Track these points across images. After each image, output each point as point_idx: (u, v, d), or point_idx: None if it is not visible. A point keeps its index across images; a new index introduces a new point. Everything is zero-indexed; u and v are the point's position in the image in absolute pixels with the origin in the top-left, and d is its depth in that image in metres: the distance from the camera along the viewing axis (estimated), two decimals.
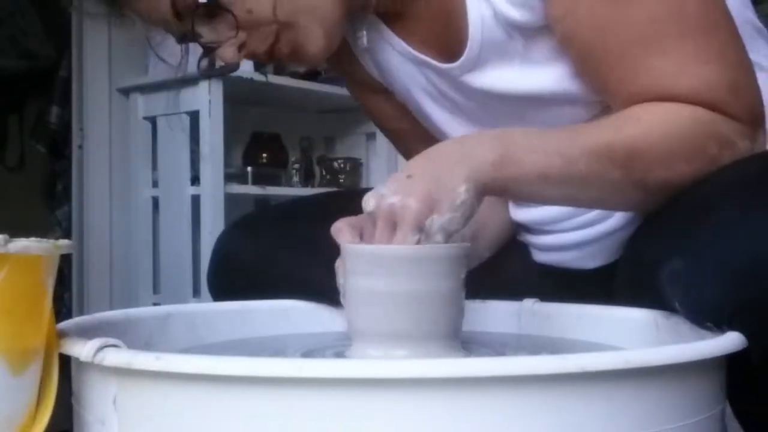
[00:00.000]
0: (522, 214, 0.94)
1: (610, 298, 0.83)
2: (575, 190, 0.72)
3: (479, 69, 0.84)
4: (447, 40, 0.85)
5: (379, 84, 1.00)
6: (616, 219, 0.87)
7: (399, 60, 0.92)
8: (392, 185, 0.66)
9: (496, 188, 0.69)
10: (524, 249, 0.97)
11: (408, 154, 1.07)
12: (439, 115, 0.94)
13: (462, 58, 0.84)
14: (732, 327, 0.58)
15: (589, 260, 0.91)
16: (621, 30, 0.73)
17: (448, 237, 0.65)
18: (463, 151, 0.69)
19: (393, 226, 0.65)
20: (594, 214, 0.88)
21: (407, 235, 0.64)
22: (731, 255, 0.60)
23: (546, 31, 0.79)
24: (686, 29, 0.73)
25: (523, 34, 0.80)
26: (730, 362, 0.57)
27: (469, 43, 0.82)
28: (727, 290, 0.60)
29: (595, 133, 0.72)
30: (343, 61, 1.02)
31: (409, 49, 0.90)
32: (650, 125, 0.72)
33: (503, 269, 0.95)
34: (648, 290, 0.68)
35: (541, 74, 0.82)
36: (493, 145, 0.69)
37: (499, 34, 0.81)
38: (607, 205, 0.79)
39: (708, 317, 0.61)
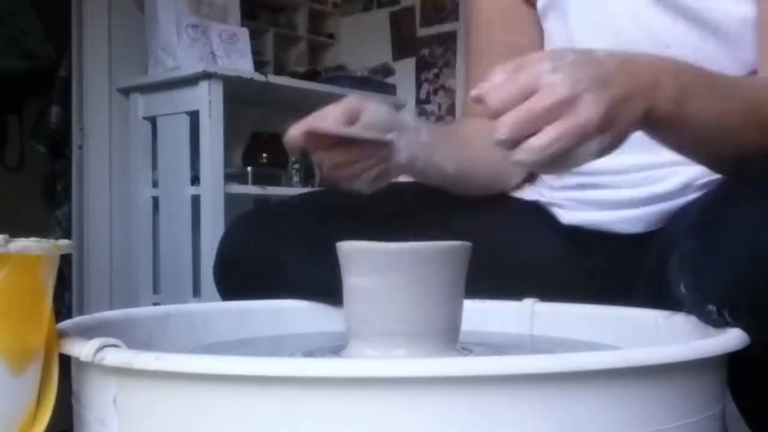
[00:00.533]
0: None
1: (638, 271, 0.83)
2: (726, 145, 0.71)
3: None
4: None
5: None
6: (666, 184, 0.86)
7: None
8: (591, 76, 0.63)
9: (659, 125, 0.68)
10: (543, 217, 0.95)
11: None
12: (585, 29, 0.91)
13: None
14: (734, 313, 0.58)
15: (629, 224, 0.88)
16: None
17: (598, 155, 0.64)
18: (655, 79, 0.66)
19: (557, 114, 0.61)
20: (645, 174, 0.87)
21: (564, 136, 0.61)
22: (742, 240, 0.60)
23: None
24: None
25: None
26: (732, 358, 0.57)
27: None
28: (734, 274, 0.59)
29: (749, 90, 0.73)
30: None
31: None
32: None
33: (523, 241, 0.94)
34: (664, 283, 0.68)
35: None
36: (675, 80, 0.67)
37: None
38: (731, 166, 0.76)
39: (712, 299, 0.60)
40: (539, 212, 0.96)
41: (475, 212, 0.94)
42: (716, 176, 0.82)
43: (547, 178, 0.97)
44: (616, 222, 0.89)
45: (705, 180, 0.84)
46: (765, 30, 0.80)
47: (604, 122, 0.61)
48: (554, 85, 0.62)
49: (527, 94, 0.62)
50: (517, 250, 0.92)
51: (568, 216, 0.92)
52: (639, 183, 0.87)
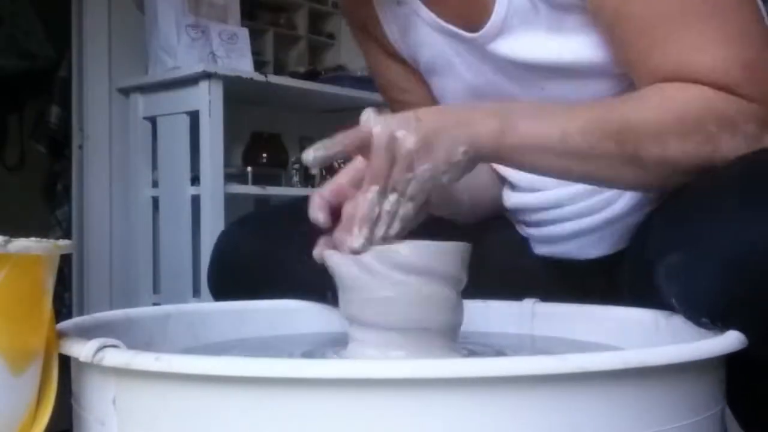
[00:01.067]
0: (516, 198, 0.93)
1: (615, 286, 0.83)
2: (571, 162, 0.73)
3: (504, 36, 0.85)
4: (474, 9, 0.86)
5: (394, 49, 1.01)
6: (617, 206, 0.86)
7: (426, 31, 0.93)
8: (400, 120, 0.69)
9: (494, 156, 0.72)
10: (525, 243, 0.97)
11: None
12: (458, 89, 0.94)
13: (487, 25, 0.85)
14: (728, 322, 0.58)
15: (591, 249, 0.90)
16: (649, 1, 0.74)
17: (428, 190, 0.68)
18: (468, 116, 0.71)
19: (391, 157, 0.67)
20: (592, 201, 0.87)
21: (403, 171, 0.67)
22: (728, 250, 0.60)
23: (571, 3, 0.79)
24: (711, 7, 0.73)
25: (549, 3, 0.81)
26: (728, 364, 0.57)
27: (495, 8, 0.83)
28: (724, 285, 0.60)
29: (594, 107, 0.74)
30: (364, 15, 1.01)
31: (437, 19, 0.90)
32: (649, 101, 0.73)
33: (505, 263, 0.95)
34: (649, 287, 0.68)
35: (566, 43, 0.82)
36: (494, 114, 0.71)
37: (524, 2, 0.82)
38: (605, 180, 0.78)
39: (704, 312, 0.61)
40: (520, 243, 0.97)
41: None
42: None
43: (510, 216, 0.99)
44: (579, 249, 0.90)
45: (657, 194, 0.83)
46: (634, 68, 0.78)
47: (425, 151, 0.67)
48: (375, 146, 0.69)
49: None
50: (500, 275, 0.93)
51: (539, 249, 0.95)
52: (590, 211, 0.88)
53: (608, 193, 0.86)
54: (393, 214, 0.68)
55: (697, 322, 0.62)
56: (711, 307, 0.60)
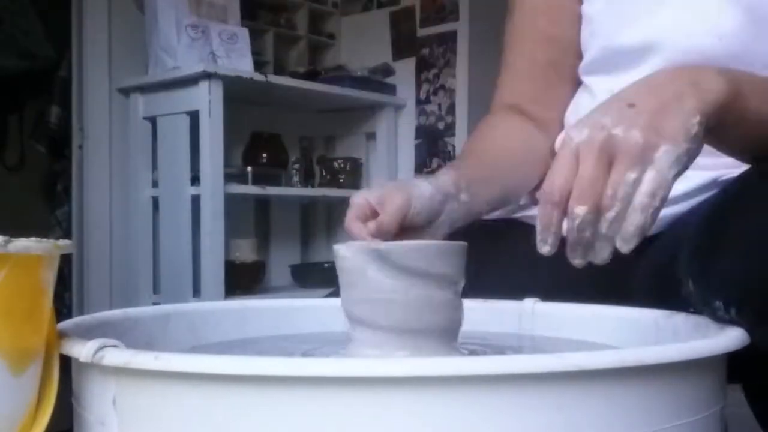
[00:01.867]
0: None
1: (638, 272, 0.83)
2: None
3: None
4: None
5: None
6: (678, 189, 0.85)
7: None
8: (612, 114, 0.59)
9: (719, 123, 0.61)
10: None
11: (505, 85, 1.02)
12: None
13: None
14: (741, 309, 0.57)
15: None
16: None
17: (680, 172, 0.58)
18: (691, 79, 0.61)
19: (609, 160, 0.57)
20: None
21: (628, 168, 0.57)
22: (753, 240, 0.60)
23: None
24: None
25: None
26: (745, 360, 0.57)
27: None
28: (744, 273, 0.59)
29: None
30: None
31: None
32: None
33: (516, 251, 0.93)
34: (669, 282, 0.68)
35: None
36: (723, 77, 0.62)
37: None
38: None
39: (719, 295, 0.60)
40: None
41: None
42: (721, 180, 0.81)
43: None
44: None
45: (708, 183, 0.83)
46: None
47: (655, 137, 0.57)
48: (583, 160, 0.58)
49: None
50: (517, 258, 0.92)
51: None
52: None
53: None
54: (611, 238, 0.58)
55: (709, 307, 0.62)
56: (727, 292, 0.60)
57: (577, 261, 0.60)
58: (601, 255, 0.59)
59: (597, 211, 0.58)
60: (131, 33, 2.67)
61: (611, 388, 0.48)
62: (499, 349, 0.70)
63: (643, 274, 0.84)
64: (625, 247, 0.58)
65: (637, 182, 0.57)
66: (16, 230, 0.55)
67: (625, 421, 0.49)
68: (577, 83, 0.98)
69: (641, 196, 0.57)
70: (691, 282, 0.64)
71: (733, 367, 0.58)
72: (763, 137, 0.65)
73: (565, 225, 0.59)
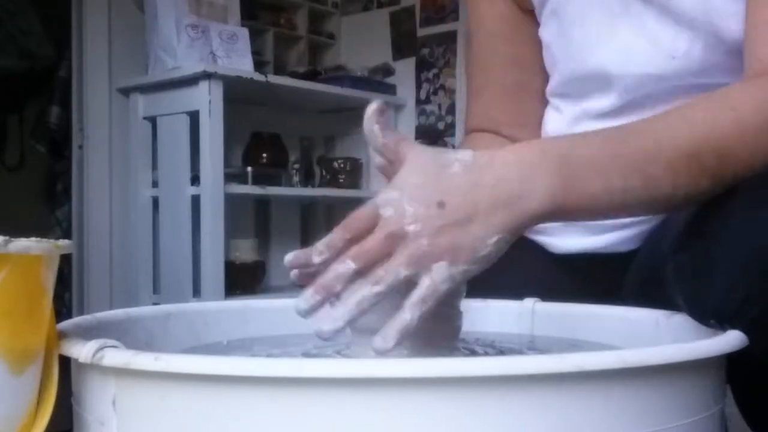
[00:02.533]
0: None
1: (626, 279, 0.83)
2: (655, 205, 0.66)
3: None
4: None
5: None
6: None
7: None
8: (419, 207, 0.57)
9: (553, 218, 0.63)
10: (531, 246, 0.95)
11: (477, 113, 1.01)
12: (598, 17, 0.86)
13: None
14: (736, 325, 0.58)
15: (621, 245, 0.87)
16: None
17: (455, 286, 0.58)
18: (510, 188, 0.59)
19: (394, 245, 0.57)
20: None
21: (401, 265, 0.56)
22: (738, 251, 0.60)
23: None
24: None
25: None
26: (735, 363, 0.57)
27: None
28: (733, 287, 0.59)
29: (686, 134, 0.64)
30: None
31: None
32: (745, 117, 0.64)
33: (514, 268, 0.94)
34: (657, 284, 0.68)
35: None
36: (554, 170, 0.60)
37: None
38: (679, 207, 0.69)
39: (712, 314, 0.61)
40: (525, 243, 0.93)
41: None
42: None
43: None
44: (608, 246, 0.88)
45: None
46: (750, 34, 0.73)
47: (442, 250, 0.57)
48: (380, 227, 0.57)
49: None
50: (507, 276, 0.92)
51: (559, 244, 0.91)
52: None
53: None
54: (361, 303, 0.56)
55: (705, 323, 0.62)
56: (718, 310, 0.60)
57: (301, 302, 0.56)
58: (335, 321, 0.56)
59: (357, 276, 0.56)
60: (131, 33, 2.68)
61: (612, 389, 0.48)
62: (499, 350, 0.70)
63: (630, 285, 0.85)
64: (382, 344, 0.55)
65: (406, 279, 0.56)
66: (16, 230, 0.54)
67: (626, 421, 0.49)
68: (546, 99, 0.98)
69: (413, 298, 0.56)
70: (682, 300, 0.64)
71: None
72: (634, 211, 0.65)
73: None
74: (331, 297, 0.56)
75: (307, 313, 0.56)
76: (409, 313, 0.56)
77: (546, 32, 0.94)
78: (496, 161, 0.60)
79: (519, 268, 0.92)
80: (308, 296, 0.56)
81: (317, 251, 0.57)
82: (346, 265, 0.56)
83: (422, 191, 0.58)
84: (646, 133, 0.65)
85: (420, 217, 0.57)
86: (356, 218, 0.58)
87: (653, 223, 0.85)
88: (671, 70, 0.82)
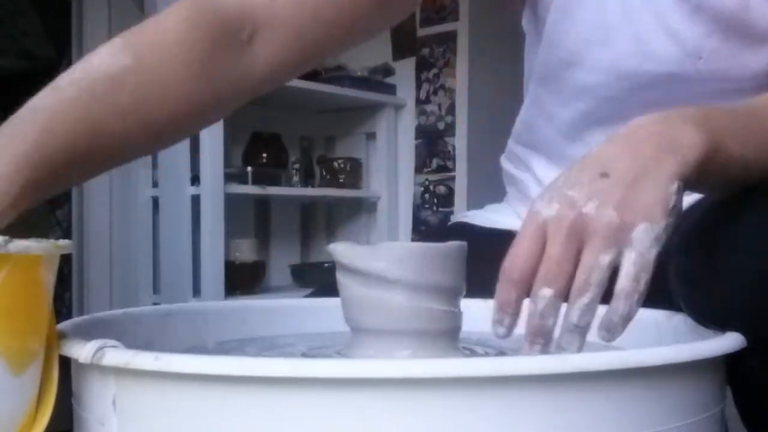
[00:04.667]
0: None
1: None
2: None
3: None
4: None
5: None
6: None
7: None
8: (583, 186, 0.53)
9: (696, 181, 0.56)
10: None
11: None
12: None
13: None
14: (736, 329, 0.58)
15: None
16: None
17: (661, 251, 0.52)
18: (669, 136, 0.54)
19: (580, 239, 0.52)
20: None
21: (602, 251, 0.51)
22: (740, 256, 0.59)
23: None
24: None
25: None
26: (734, 364, 0.57)
27: None
28: (733, 292, 0.59)
29: None
30: None
31: None
32: None
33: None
34: (661, 287, 0.68)
35: None
36: (701, 129, 0.55)
37: None
38: None
39: (713, 319, 0.61)
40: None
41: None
42: None
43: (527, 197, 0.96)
44: None
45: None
46: None
47: (630, 214, 0.52)
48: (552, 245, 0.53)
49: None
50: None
51: None
52: None
53: None
54: (584, 328, 0.52)
55: (705, 326, 0.62)
56: (719, 316, 0.60)
57: (536, 353, 0.53)
58: (571, 347, 0.53)
59: (562, 297, 0.52)
60: None
61: (612, 390, 0.48)
62: (500, 350, 0.70)
63: None
64: (609, 337, 0.53)
65: (611, 266, 0.52)
66: (16, 230, 0.54)
67: (626, 422, 0.49)
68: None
69: (624, 281, 0.52)
70: (683, 304, 0.64)
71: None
72: (747, 181, 0.62)
73: (525, 309, 0.54)
74: (550, 335, 0.53)
75: None
76: (625, 302, 0.52)
77: (547, 24, 0.89)
78: (634, 124, 0.56)
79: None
80: (533, 349, 0.53)
81: (500, 322, 0.54)
82: (544, 298, 0.52)
83: (576, 174, 0.53)
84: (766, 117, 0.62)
85: (592, 193, 0.52)
86: (517, 253, 0.53)
87: None
88: (694, 70, 0.79)
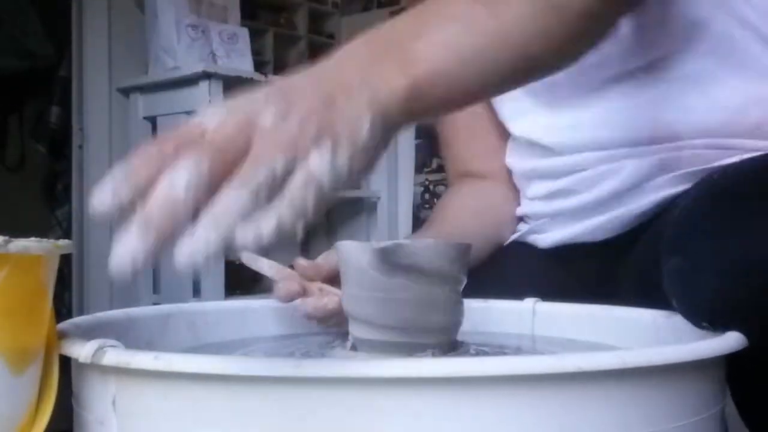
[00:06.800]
0: (535, 162, 0.94)
1: (616, 281, 0.84)
2: (522, 42, 0.57)
3: None
4: None
5: None
6: (623, 178, 0.86)
7: None
8: (273, 92, 0.46)
9: (411, 112, 0.51)
10: (521, 247, 0.97)
11: (457, 160, 1.07)
12: None
13: None
14: (728, 327, 0.58)
15: (600, 232, 0.89)
16: None
17: (334, 184, 0.43)
18: (362, 69, 0.50)
19: (249, 138, 0.42)
20: (603, 169, 0.87)
21: (263, 164, 0.41)
22: (731, 255, 0.60)
23: None
24: None
25: None
26: (732, 363, 0.57)
27: None
28: (725, 290, 0.59)
29: None
30: None
31: None
32: None
33: (503, 271, 0.95)
34: (653, 286, 0.68)
35: None
36: (403, 70, 0.50)
37: None
38: (530, 50, 0.59)
39: (704, 317, 0.61)
40: (518, 246, 0.98)
41: None
42: (673, 174, 0.83)
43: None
44: (589, 233, 0.90)
45: (663, 179, 0.84)
46: None
47: (318, 123, 0.44)
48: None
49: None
50: (503, 278, 0.93)
51: (546, 238, 0.94)
52: (595, 181, 0.88)
53: (612, 164, 0.86)
54: (226, 215, 0.40)
55: (698, 326, 0.62)
56: (710, 314, 0.61)
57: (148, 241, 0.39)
58: (189, 251, 0.39)
59: (219, 178, 0.41)
60: (131, 33, 2.67)
61: (611, 390, 0.48)
62: (499, 350, 0.70)
63: (629, 278, 0.85)
64: (243, 238, 0.40)
65: (284, 171, 0.41)
66: (16, 230, 0.54)
67: (625, 422, 0.49)
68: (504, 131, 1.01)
69: (290, 192, 0.41)
70: (675, 302, 0.65)
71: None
72: (516, 56, 0.56)
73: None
74: (173, 230, 0.40)
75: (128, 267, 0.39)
76: (279, 212, 0.40)
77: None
78: (336, 53, 0.51)
79: (514, 270, 0.94)
80: (131, 241, 0.39)
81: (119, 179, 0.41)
82: (193, 166, 0.40)
83: (269, 89, 0.47)
84: None
85: (277, 99, 0.45)
86: (180, 131, 0.43)
87: (620, 210, 0.87)
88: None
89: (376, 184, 3.07)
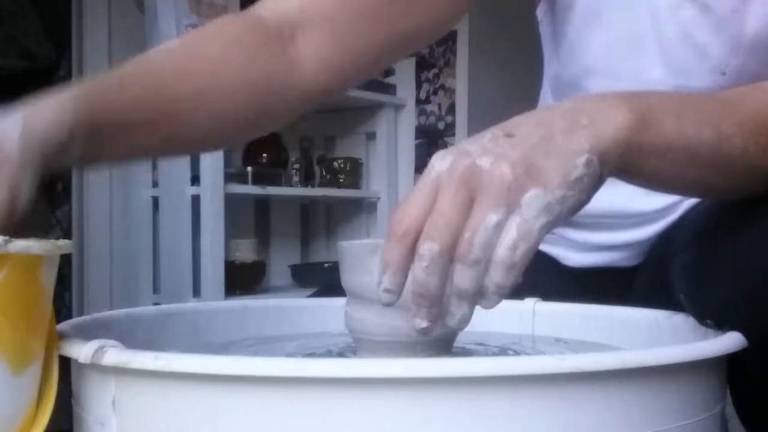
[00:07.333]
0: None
1: (636, 276, 0.85)
2: (719, 173, 0.58)
3: None
4: None
5: None
6: (667, 221, 0.85)
7: None
8: (483, 143, 0.49)
9: (624, 163, 0.52)
10: (544, 259, 0.94)
11: None
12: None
13: None
14: (734, 326, 0.58)
15: (632, 260, 0.88)
16: None
17: (552, 223, 0.48)
18: (586, 110, 0.51)
19: (470, 195, 0.48)
20: (654, 209, 0.85)
21: (488, 209, 0.47)
22: (741, 252, 0.60)
23: None
24: None
25: None
26: (732, 364, 0.57)
27: None
28: (733, 287, 0.59)
29: (751, 106, 0.58)
30: None
31: None
32: None
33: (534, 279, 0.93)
34: (661, 284, 0.68)
35: None
36: (626, 106, 0.52)
37: None
38: (734, 194, 0.62)
39: (710, 313, 0.61)
40: (539, 257, 0.94)
41: None
42: None
43: None
44: (618, 260, 0.89)
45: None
46: None
47: (527, 175, 0.48)
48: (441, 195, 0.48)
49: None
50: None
51: (573, 258, 0.92)
52: (635, 225, 0.87)
53: (657, 213, 0.85)
54: (472, 293, 0.48)
55: (703, 323, 0.62)
56: (717, 311, 0.60)
57: (419, 320, 0.50)
58: (457, 314, 0.49)
59: (450, 256, 0.48)
60: (131, 33, 2.67)
61: (612, 390, 0.48)
62: (500, 350, 0.70)
63: (639, 292, 0.85)
64: (486, 304, 0.49)
65: (499, 228, 0.47)
66: (16, 230, 0.54)
67: (626, 422, 0.49)
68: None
69: (501, 249, 0.47)
70: (683, 297, 0.65)
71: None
72: (701, 172, 0.57)
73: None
74: (437, 297, 0.48)
75: (426, 332, 0.50)
76: (500, 271, 0.47)
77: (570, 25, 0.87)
78: (555, 105, 0.54)
79: (534, 280, 0.93)
80: (418, 315, 0.49)
81: (384, 283, 0.50)
82: (425, 256, 0.47)
83: (481, 134, 0.50)
84: (711, 99, 0.60)
85: (489, 149, 0.48)
86: (405, 209, 0.49)
87: (654, 240, 0.85)
88: (716, 85, 0.78)
89: (376, 184, 3.07)
